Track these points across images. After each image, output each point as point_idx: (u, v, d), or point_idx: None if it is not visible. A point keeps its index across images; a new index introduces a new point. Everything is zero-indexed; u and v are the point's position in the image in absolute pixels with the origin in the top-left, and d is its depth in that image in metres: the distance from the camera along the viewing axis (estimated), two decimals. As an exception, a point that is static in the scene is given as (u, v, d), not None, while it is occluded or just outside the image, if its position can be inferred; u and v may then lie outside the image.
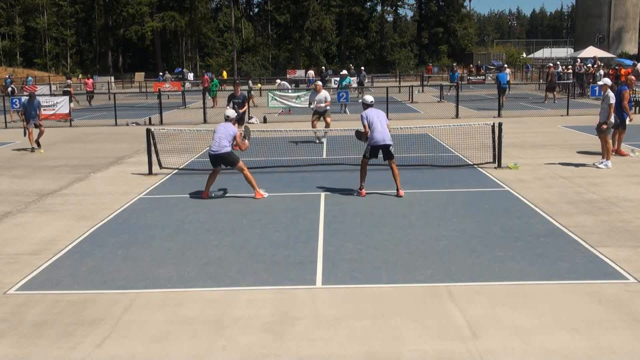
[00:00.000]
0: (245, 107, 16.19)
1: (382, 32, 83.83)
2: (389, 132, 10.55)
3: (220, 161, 10.60)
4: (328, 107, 17.23)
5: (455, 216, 9.15)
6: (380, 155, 10.61)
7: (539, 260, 7.09)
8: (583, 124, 19.92)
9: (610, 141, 13.20)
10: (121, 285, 6.60)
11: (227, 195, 10.97)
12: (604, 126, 12.89)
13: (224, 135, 10.49)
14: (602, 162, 12.88)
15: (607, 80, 13.63)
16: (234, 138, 10.57)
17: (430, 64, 65.14)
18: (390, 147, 10.52)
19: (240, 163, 10.64)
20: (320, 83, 18.15)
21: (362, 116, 10.62)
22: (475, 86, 43.26)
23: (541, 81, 37.16)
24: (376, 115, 10.57)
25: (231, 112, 11.12)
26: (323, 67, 52.06)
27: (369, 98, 10.95)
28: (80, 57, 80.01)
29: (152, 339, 5.33)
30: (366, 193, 10.57)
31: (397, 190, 10.51)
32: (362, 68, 43.26)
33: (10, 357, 5.08)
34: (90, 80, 38.37)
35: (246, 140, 11.02)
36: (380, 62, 77.45)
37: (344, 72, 33.08)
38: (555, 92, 30.76)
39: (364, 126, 10.47)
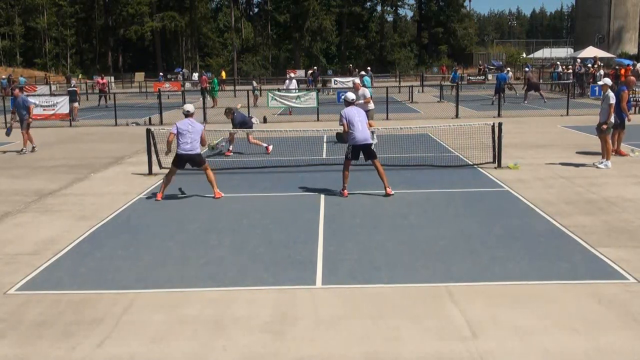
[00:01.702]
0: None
1: (382, 32, 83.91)
2: (369, 131, 10.59)
3: (189, 162, 10.67)
4: (371, 106, 15.81)
5: (455, 216, 9.15)
6: (362, 156, 10.58)
7: (539, 260, 7.09)
8: (583, 124, 19.92)
9: (610, 141, 13.19)
10: (121, 285, 6.60)
11: (227, 195, 10.96)
12: (604, 126, 12.89)
13: (196, 135, 10.55)
14: (602, 162, 12.88)
15: (608, 80, 13.62)
16: (201, 135, 10.67)
17: (444, 65, 64.90)
18: (372, 146, 10.57)
19: (206, 163, 10.81)
20: (358, 81, 16.89)
21: (341, 114, 10.59)
22: (476, 86, 43.25)
23: (541, 81, 37.36)
24: (356, 114, 10.49)
25: (190, 107, 10.95)
26: (315, 67, 51.88)
27: (351, 95, 10.92)
28: (80, 57, 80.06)
29: (152, 339, 5.33)
30: (349, 193, 10.52)
31: (385, 188, 10.46)
32: (369, 68, 42.95)
33: (10, 357, 5.08)
34: (104, 80, 38.69)
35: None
36: (380, 62, 77.48)
37: (362, 72, 32.57)
38: (540, 91, 30.87)
39: (344, 125, 10.44)
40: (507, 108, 25.55)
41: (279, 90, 28.20)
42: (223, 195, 10.67)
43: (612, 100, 12.96)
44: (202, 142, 10.77)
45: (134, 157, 15.76)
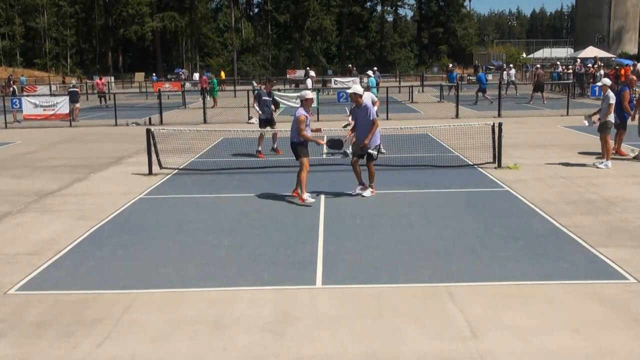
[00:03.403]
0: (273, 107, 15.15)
1: (382, 32, 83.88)
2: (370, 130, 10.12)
3: (292, 150, 10.13)
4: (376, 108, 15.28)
5: (455, 216, 9.15)
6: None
7: (539, 260, 7.09)
8: (583, 124, 19.88)
9: (611, 141, 13.18)
10: (121, 285, 6.60)
11: (227, 195, 10.96)
12: (595, 117, 13.01)
13: (293, 124, 9.98)
14: (602, 162, 12.88)
15: (607, 81, 13.64)
16: (301, 123, 9.80)
17: (450, 65, 64.60)
18: (370, 149, 10.19)
19: (303, 160, 9.89)
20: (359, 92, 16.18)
21: (368, 107, 10.22)
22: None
23: (545, 81, 37.34)
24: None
25: (303, 93, 10.25)
26: (307, 67, 51.81)
27: (359, 88, 10.50)
28: (80, 57, 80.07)
29: (152, 339, 5.33)
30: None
31: (370, 185, 10.51)
32: (375, 68, 42.74)
33: (10, 357, 5.08)
34: (102, 80, 38.66)
35: (308, 132, 9.92)
36: (380, 62, 77.49)
37: (369, 72, 32.14)
38: (543, 93, 30.65)
39: (375, 122, 10.18)
40: (507, 108, 25.55)
41: (279, 90, 28.17)
42: (305, 202, 9.85)
43: (612, 100, 12.97)
44: (300, 133, 9.82)
45: (134, 157, 15.76)
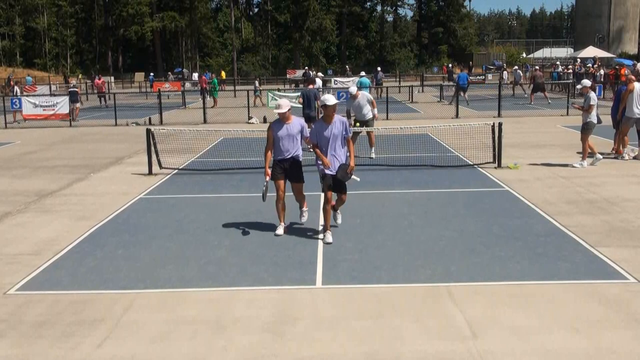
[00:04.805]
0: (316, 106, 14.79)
1: (382, 32, 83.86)
2: (342, 148, 8.11)
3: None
4: (373, 115, 14.03)
5: (455, 216, 9.15)
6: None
7: (539, 260, 7.09)
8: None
9: (588, 142, 13.07)
10: (121, 285, 6.60)
11: (227, 195, 10.97)
12: (575, 106, 13.41)
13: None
14: (597, 160, 13.01)
15: (586, 82, 13.69)
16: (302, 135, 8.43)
17: (445, 65, 64.43)
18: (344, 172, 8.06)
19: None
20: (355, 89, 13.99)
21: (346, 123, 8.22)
22: (476, 86, 43.24)
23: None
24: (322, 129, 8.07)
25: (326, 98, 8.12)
26: (306, 67, 51.80)
27: (327, 98, 8.10)
28: (80, 57, 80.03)
29: (152, 339, 5.32)
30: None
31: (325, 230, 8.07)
32: (379, 68, 42.63)
33: (10, 357, 5.08)
34: (101, 80, 38.62)
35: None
36: (381, 62, 77.47)
37: (362, 72, 31.18)
38: (545, 92, 30.47)
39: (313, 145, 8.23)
40: (507, 108, 25.55)
41: (279, 90, 28.15)
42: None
43: (593, 102, 12.95)
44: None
45: (134, 157, 15.76)
